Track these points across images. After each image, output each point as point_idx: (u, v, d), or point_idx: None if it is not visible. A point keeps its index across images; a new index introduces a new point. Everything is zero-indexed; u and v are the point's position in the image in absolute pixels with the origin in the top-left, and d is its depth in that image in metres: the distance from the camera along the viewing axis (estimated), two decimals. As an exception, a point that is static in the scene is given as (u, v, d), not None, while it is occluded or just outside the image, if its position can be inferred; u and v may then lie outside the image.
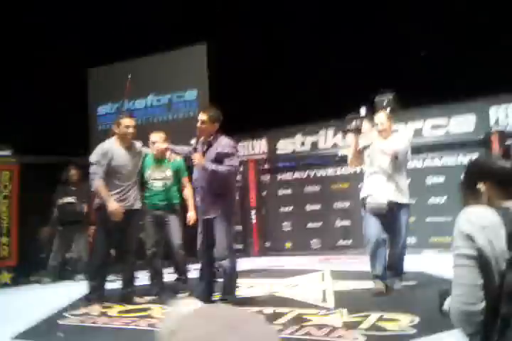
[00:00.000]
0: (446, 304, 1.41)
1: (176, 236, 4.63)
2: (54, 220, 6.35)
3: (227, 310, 0.57)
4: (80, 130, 9.45)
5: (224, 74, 9.19)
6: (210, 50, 9.75)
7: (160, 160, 4.70)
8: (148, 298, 4.44)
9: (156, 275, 4.66)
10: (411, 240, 7.14)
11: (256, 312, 0.61)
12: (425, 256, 6.58)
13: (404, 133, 5.62)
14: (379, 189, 4.08)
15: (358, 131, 4.15)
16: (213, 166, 3.82)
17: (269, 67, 9.20)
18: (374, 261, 4.10)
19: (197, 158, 3.84)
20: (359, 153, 4.26)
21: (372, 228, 4.10)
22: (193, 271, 4.99)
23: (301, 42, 8.77)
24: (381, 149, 4.09)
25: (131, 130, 4.32)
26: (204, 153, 3.92)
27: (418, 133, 7.36)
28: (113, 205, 4.14)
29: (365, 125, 4.15)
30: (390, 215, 4.08)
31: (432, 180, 7.25)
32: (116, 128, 4.37)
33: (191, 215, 4.62)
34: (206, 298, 3.94)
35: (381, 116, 4.27)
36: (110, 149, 4.29)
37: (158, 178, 4.69)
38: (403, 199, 4.16)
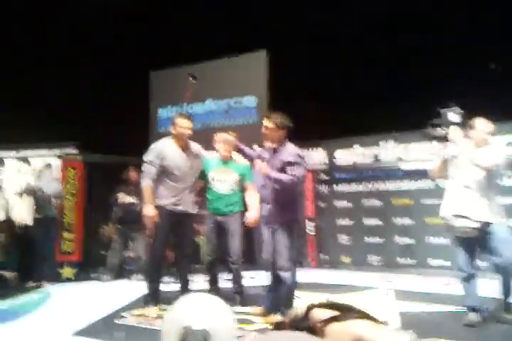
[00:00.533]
0: None
1: (235, 246, 4.43)
2: (114, 219, 6.47)
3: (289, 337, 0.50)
4: (143, 132, 9.66)
5: (283, 81, 9.15)
6: (270, 57, 9.74)
7: (225, 162, 4.49)
8: None
9: (213, 282, 4.61)
10: (480, 263, 6.77)
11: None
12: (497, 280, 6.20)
13: (500, 145, 4.73)
14: (470, 207, 3.57)
15: (445, 138, 3.66)
16: (276, 175, 3.66)
17: (329, 75, 9.08)
18: (467, 291, 3.73)
19: (260, 165, 3.73)
20: (444, 164, 3.80)
21: (463, 255, 3.65)
22: (249, 278, 4.93)
23: (362, 51, 8.60)
24: (475, 160, 3.53)
25: (187, 131, 4.21)
26: (269, 161, 3.78)
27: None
28: (148, 210, 4.08)
29: (454, 132, 3.64)
30: (484, 237, 3.57)
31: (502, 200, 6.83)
32: (173, 129, 4.26)
33: (251, 215, 4.23)
34: (275, 309, 3.81)
35: (483, 123, 3.71)
36: (164, 148, 4.21)
37: (222, 180, 4.46)
38: (498, 218, 3.61)
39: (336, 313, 0.61)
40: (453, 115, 3.73)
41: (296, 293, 4.00)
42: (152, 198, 4.12)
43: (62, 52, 9.10)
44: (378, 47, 8.42)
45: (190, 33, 9.67)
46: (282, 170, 3.68)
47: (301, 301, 4.20)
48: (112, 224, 6.56)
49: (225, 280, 4.91)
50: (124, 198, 6.35)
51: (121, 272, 6.47)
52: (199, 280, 5.90)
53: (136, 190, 6.31)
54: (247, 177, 4.49)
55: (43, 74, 8.82)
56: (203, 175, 4.57)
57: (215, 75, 10.83)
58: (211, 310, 0.65)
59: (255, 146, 4.00)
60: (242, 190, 4.54)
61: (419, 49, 7.96)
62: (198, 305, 0.65)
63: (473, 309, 3.66)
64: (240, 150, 4.22)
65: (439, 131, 3.67)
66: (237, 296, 4.45)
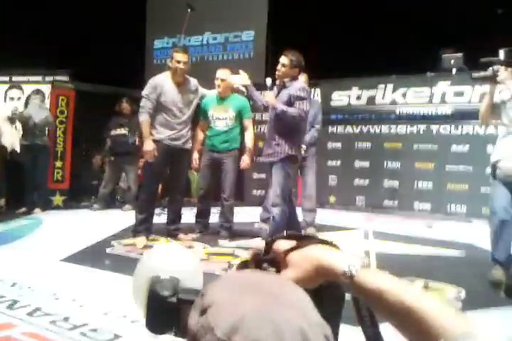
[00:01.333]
0: None
1: (228, 184, 4.54)
2: (106, 150, 6.48)
3: (258, 276, 0.53)
4: (138, 62, 9.41)
5: (283, 17, 8.81)
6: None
7: (223, 98, 4.52)
8: (193, 236, 4.53)
9: (202, 215, 4.73)
10: (462, 208, 6.96)
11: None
12: (476, 226, 6.40)
13: None
14: None
15: (494, 79, 3.19)
16: (284, 107, 3.74)
17: (330, 12, 8.73)
18: (496, 242, 3.30)
19: (269, 96, 3.81)
20: (493, 108, 3.37)
21: (501, 199, 3.28)
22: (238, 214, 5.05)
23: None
24: None
25: (182, 65, 4.16)
26: (277, 94, 3.86)
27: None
28: (148, 145, 4.13)
29: (505, 73, 3.17)
30: None
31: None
32: (170, 62, 4.23)
33: (245, 159, 4.50)
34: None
35: None
36: (160, 83, 4.19)
37: (221, 118, 4.53)
38: None
39: (295, 243, 0.63)
40: (506, 54, 3.21)
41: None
42: (150, 132, 4.17)
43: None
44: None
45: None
46: (289, 103, 3.75)
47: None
48: (104, 155, 6.58)
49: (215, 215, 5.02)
50: (117, 130, 6.32)
51: (111, 202, 6.60)
52: (187, 214, 6.05)
53: (129, 123, 6.29)
54: (243, 113, 4.54)
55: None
56: (204, 114, 4.64)
57: (215, 7, 10.40)
58: (177, 259, 0.67)
59: (268, 79, 3.97)
60: (240, 123, 4.60)
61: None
62: (163, 255, 0.67)
63: (499, 263, 3.26)
64: (249, 95, 4.11)
65: (489, 71, 3.16)
66: (224, 231, 4.59)
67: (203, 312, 0.45)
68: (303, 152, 4.52)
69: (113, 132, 6.33)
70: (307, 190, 5.06)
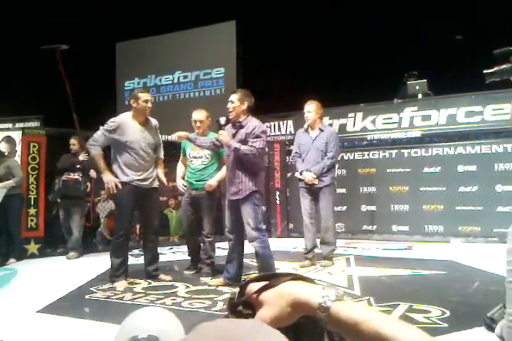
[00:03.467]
0: (498, 328, 1.23)
1: (207, 220, 4.61)
2: (55, 191, 6.28)
3: (231, 325, 0.52)
4: (110, 105, 9.47)
5: (252, 53, 9.05)
6: (238, 29, 9.57)
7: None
8: (189, 273, 4.66)
9: (193, 253, 4.79)
10: (439, 228, 7.05)
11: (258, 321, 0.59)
12: (453, 245, 6.46)
13: None
14: None
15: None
16: (237, 145, 3.80)
17: (299, 47, 9.01)
18: None
19: (223, 135, 3.87)
20: None
21: None
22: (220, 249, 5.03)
23: (332, 25, 8.56)
24: None
25: (149, 104, 4.23)
26: (234, 135, 3.92)
27: (452, 120, 7.17)
28: (108, 177, 4.13)
29: None
30: None
31: (463, 168, 7.07)
32: (134, 102, 4.23)
33: (208, 182, 4.53)
34: (237, 279, 3.97)
35: None
36: (124, 123, 4.19)
37: (197, 156, 4.66)
38: None
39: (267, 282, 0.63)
40: None
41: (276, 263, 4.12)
42: (105, 165, 4.19)
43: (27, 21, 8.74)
44: (349, 21, 8.39)
45: (157, 2, 9.39)
46: (245, 142, 3.83)
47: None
48: (51, 197, 6.35)
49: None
50: (70, 174, 6.05)
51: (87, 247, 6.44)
52: (167, 253, 5.97)
53: (81, 165, 6.13)
54: (222, 151, 4.53)
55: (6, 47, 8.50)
56: (183, 153, 4.82)
57: (184, 46, 10.61)
58: (156, 319, 0.67)
59: (222, 118, 4.02)
60: (218, 161, 4.68)
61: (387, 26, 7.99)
62: (142, 317, 0.68)
63: None
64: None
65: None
66: (207, 267, 4.57)
67: None
68: (316, 181, 4.79)
69: (65, 176, 6.08)
70: (323, 222, 4.92)
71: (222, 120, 4.02)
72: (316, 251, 4.95)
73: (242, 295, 0.63)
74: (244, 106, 3.91)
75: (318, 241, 4.97)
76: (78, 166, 6.11)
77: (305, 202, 4.96)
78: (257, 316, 0.60)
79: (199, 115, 4.63)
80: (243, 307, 0.62)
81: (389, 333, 0.52)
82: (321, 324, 0.58)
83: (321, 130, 4.97)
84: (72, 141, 6.23)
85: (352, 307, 0.57)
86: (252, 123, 3.92)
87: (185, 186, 4.72)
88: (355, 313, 0.55)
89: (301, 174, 4.93)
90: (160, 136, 4.58)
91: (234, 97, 3.93)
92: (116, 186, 4.11)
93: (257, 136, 3.84)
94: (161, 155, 4.57)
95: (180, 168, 4.94)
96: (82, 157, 6.08)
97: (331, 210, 4.95)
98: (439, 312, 3.02)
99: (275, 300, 0.59)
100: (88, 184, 6.21)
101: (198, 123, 4.60)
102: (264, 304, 0.60)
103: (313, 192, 4.93)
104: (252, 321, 0.56)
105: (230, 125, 4.07)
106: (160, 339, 0.62)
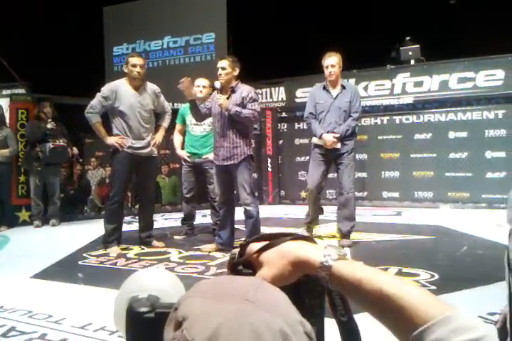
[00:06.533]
0: None
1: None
2: (34, 159, 5.96)
3: (230, 281, 0.51)
4: (99, 71, 9.27)
5: (243, 17, 8.81)
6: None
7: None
8: (179, 238, 4.78)
9: (188, 217, 4.95)
10: (428, 195, 7.13)
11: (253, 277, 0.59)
12: (442, 211, 6.55)
13: None
14: None
15: None
16: (238, 108, 3.80)
17: (291, 11, 8.79)
18: None
19: (223, 99, 3.80)
20: None
21: None
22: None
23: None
24: None
25: (138, 69, 4.11)
26: (228, 98, 3.88)
27: (444, 86, 7.12)
28: (110, 140, 4.13)
29: None
30: None
31: (454, 134, 7.09)
32: (125, 68, 4.19)
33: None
34: (230, 244, 4.01)
35: None
36: (116, 88, 4.13)
37: (199, 124, 4.64)
38: None
39: (268, 242, 0.63)
40: None
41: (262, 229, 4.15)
42: (106, 132, 4.17)
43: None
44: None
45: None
46: (241, 106, 3.82)
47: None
48: (27, 165, 6.05)
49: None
50: (55, 141, 5.88)
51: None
52: (159, 219, 6.01)
53: (60, 131, 6.00)
54: None
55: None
56: (182, 120, 4.84)
57: (174, 11, 10.32)
58: (155, 279, 0.66)
59: (217, 82, 3.95)
60: None
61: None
62: (141, 278, 0.67)
63: None
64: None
65: None
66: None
67: (178, 326, 0.44)
68: (338, 145, 4.19)
69: (51, 143, 5.86)
70: (344, 194, 4.29)
71: (218, 84, 3.94)
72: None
73: (243, 255, 0.63)
74: (236, 72, 3.91)
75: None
76: (49, 133, 5.90)
77: (317, 171, 4.31)
78: (257, 275, 0.60)
79: (202, 81, 4.63)
80: (243, 266, 0.62)
81: (394, 290, 0.52)
82: (321, 283, 0.58)
83: (343, 87, 4.30)
84: (47, 109, 5.99)
85: (354, 265, 0.56)
86: (245, 87, 3.94)
87: (188, 156, 4.78)
88: (358, 272, 0.55)
89: (320, 138, 4.23)
90: (166, 103, 4.49)
91: (225, 63, 3.88)
92: (122, 144, 4.10)
93: (254, 100, 3.88)
94: (164, 123, 4.48)
95: (177, 138, 4.92)
96: (50, 125, 5.90)
97: (353, 180, 4.34)
98: (427, 276, 3.09)
99: (276, 259, 0.59)
100: (69, 150, 6.14)
101: (201, 88, 4.55)
102: (265, 263, 0.59)
103: (331, 159, 4.29)
104: (252, 278, 0.55)
105: (217, 92, 3.98)
106: (160, 298, 0.62)
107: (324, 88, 4.34)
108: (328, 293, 0.59)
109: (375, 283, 0.53)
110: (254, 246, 0.62)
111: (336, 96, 4.26)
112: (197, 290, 0.48)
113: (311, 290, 0.61)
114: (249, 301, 0.45)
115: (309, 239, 0.62)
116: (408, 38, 7.60)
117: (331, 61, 4.22)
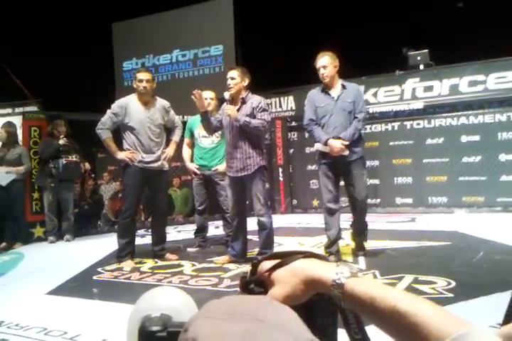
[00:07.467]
0: None
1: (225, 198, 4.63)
2: (47, 175, 6.00)
3: (240, 301, 0.51)
4: (109, 87, 9.39)
5: (250, 29, 8.87)
6: (236, 4, 9.37)
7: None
8: (192, 250, 4.79)
9: (201, 229, 4.95)
10: (443, 200, 7.05)
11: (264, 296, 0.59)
12: (457, 216, 6.46)
13: None
14: None
15: None
16: (246, 118, 3.78)
17: (298, 21, 8.83)
18: None
19: (231, 110, 3.80)
20: None
21: None
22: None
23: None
24: None
25: (144, 84, 4.16)
26: (238, 110, 3.87)
27: (455, 90, 7.08)
28: (121, 155, 4.18)
29: None
30: None
31: (467, 138, 7.02)
32: (134, 83, 4.28)
33: (221, 167, 4.58)
34: (243, 256, 4.03)
35: None
36: (126, 104, 4.20)
37: (207, 136, 4.66)
38: None
39: (279, 260, 0.62)
40: None
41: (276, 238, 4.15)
42: (116, 147, 4.22)
43: (24, 5, 8.61)
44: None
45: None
46: (251, 116, 3.82)
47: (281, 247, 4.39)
48: (40, 182, 6.11)
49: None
50: (68, 157, 5.92)
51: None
52: (172, 232, 6.02)
53: (73, 147, 6.06)
54: None
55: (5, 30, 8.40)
56: (190, 134, 4.84)
57: (182, 25, 10.43)
58: (168, 298, 0.67)
59: (226, 93, 3.97)
60: None
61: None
62: (153, 297, 0.67)
63: None
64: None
65: None
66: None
67: None
68: (346, 152, 3.79)
69: (64, 159, 5.90)
70: (358, 204, 4.02)
71: (226, 95, 3.96)
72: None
73: (255, 274, 0.62)
74: (246, 83, 3.91)
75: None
76: (62, 150, 5.95)
77: (328, 182, 3.92)
78: (269, 294, 0.59)
79: (210, 93, 4.66)
80: (255, 285, 0.62)
81: (407, 307, 0.51)
82: (334, 301, 0.57)
83: (344, 87, 3.94)
84: (62, 128, 6.02)
85: (367, 283, 0.56)
86: (256, 97, 3.94)
87: (197, 169, 4.79)
88: (371, 289, 0.54)
89: (325, 144, 3.80)
90: (176, 117, 4.53)
91: (234, 74, 3.89)
92: (132, 158, 4.14)
93: (264, 110, 3.87)
94: (175, 137, 4.50)
95: (186, 151, 4.94)
96: (62, 141, 5.94)
97: (365, 189, 4.03)
98: (444, 283, 3.03)
99: (288, 277, 0.58)
100: (81, 166, 6.20)
101: (209, 100, 4.56)
102: (277, 282, 0.59)
103: (340, 168, 3.90)
104: (262, 297, 0.55)
105: (227, 103, 4.01)
106: (172, 317, 0.61)
107: (323, 90, 4.00)
108: (341, 311, 0.58)
109: (389, 301, 0.52)
110: (266, 265, 0.61)
111: (338, 97, 3.90)
112: (206, 310, 0.48)
113: (324, 310, 0.60)
114: (259, 320, 0.44)
115: (321, 256, 0.61)
116: (405, 49, 7.60)
117: (322, 62, 3.90)
